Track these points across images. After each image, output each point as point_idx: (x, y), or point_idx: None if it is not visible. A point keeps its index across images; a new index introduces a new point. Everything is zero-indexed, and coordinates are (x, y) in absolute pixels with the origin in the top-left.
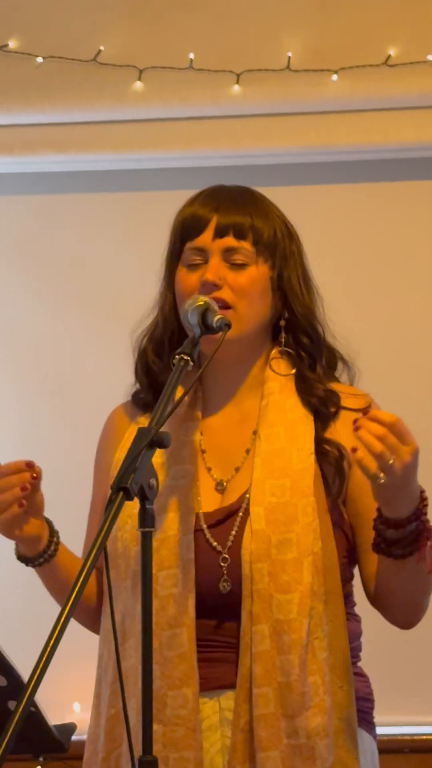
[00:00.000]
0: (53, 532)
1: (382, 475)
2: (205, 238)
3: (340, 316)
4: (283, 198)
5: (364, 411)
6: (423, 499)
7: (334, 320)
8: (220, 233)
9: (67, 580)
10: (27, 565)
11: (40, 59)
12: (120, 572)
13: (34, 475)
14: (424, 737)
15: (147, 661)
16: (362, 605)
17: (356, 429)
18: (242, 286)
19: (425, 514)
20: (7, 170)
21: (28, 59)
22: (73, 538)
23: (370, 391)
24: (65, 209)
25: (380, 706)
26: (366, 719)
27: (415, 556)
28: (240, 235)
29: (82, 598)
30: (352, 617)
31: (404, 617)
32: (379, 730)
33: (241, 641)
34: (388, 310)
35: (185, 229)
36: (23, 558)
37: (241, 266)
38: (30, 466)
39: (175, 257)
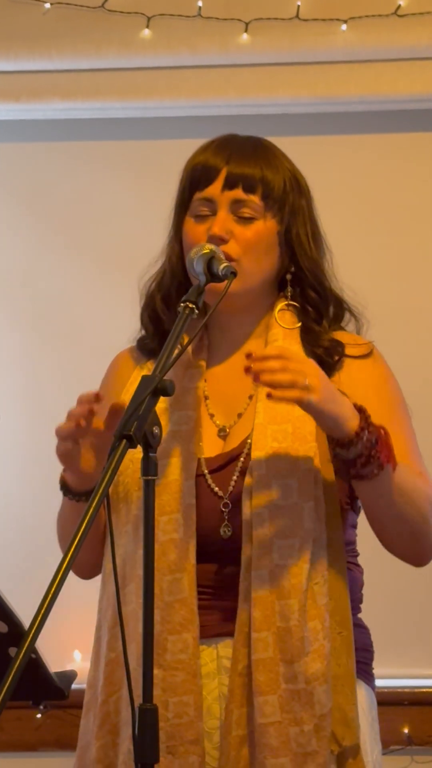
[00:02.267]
0: None
1: (311, 396)
2: (214, 189)
3: (349, 267)
4: (290, 148)
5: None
6: (363, 411)
7: (342, 271)
8: (229, 185)
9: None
10: (65, 495)
11: (47, 5)
12: (121, 517)
13: (92, 410)
14: (425, 690)
15: (148, 608)
16: (365, 557)
17: (254, 377)
18: (249, 240)
19: (372, 425)
20: (14, 117)
21: (36, 6)
22: None
23: (378, 341)
24: (71, 157)
25: (381, 659)
26: (365, 670)
27: (383, 467)
28: (249, 189)
29: (93, 531)
30: (354, 567)
31: (409, 547)
32: (379, 683)
33: (241, 586)
34: (397, 260)
35: (194, 179)
36: (65, 487)
37: (249, 220)
38: (97, 399)
39: (183, 207)
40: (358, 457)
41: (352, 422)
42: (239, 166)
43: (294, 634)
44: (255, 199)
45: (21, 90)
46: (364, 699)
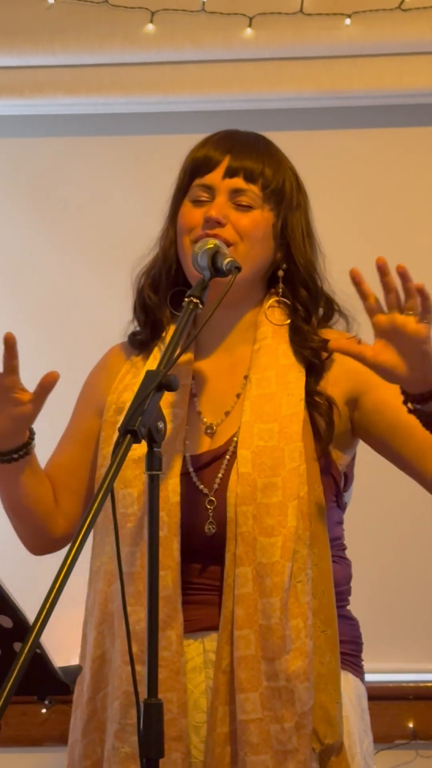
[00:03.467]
0: (31, 438)
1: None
2: (215, 176)
3: (351, 262)
4: (294, 142)
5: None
6: None
7: (345, 267)
8: (230, 173)
9: (29, 489)
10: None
11: (51, 1)
12: (108, 514)
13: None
14: (430, 684)
15: (153, 603)
16: (375, 553)
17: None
18: (245, 227)
19: None
20: (18, 112)
21: (39, 1)
22: None
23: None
24: (75, 152)
25: (386, 654)
26: (353, 662)
27: None
28: (250, 178)
29: (44, 499)
30: (341, 560)
31: None
32: (384, 677)
33: (225, 583)
34: (402, 255)
35: (195, 167)
36: None
37: (247, 208)
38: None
39: (181, 193)
40: None
41: None
42: (241, 157)
43: (275, 631)
44: (254, 189)
45: (25, 85)
46: (352, 691)
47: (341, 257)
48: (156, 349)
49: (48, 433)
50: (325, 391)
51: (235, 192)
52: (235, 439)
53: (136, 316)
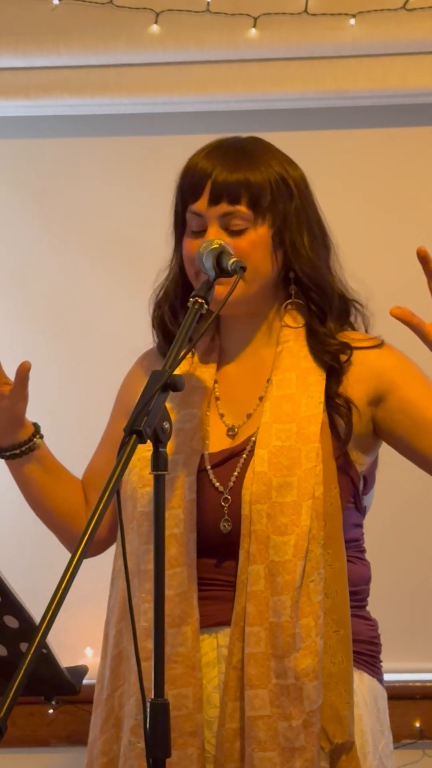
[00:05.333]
0: (34, 435)
1: None
2: (201, 204)
3: (357, 261)
4: (299, 143)
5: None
6: None
7: (349, 267)
8: (214, 200)
9: (41, 486)
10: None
11: (56, 1)
12: (128, 514)
13: None
14: None
15: (159, 602)
16: (377, 552)
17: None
18: (243, 251)
19: None
20: (23, 113)
21: (44, 2)
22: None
23: (386, 333)
24: (80, 153)
25: (393, 654)
26: (370, 662)
27: None
28: (234, 200)
29: (69, 499)
30: (359, 561)
31: None
32: (391, 677)
33: (238, 580)
34: (406, 253)
35: (184, 194)
36: None
37: (240, 232)
38: None
39: (180, 221)
40: None
41: None
42: (222, 176)
43: (285, 629)
44: (242, 208)
45: (30, 86)
46: (367, 691)
47: (348, 257)
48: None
49: (57, 438)
50: (345, 392)
51: (225, 216)
52: (253, 438)
53: (156, 334)
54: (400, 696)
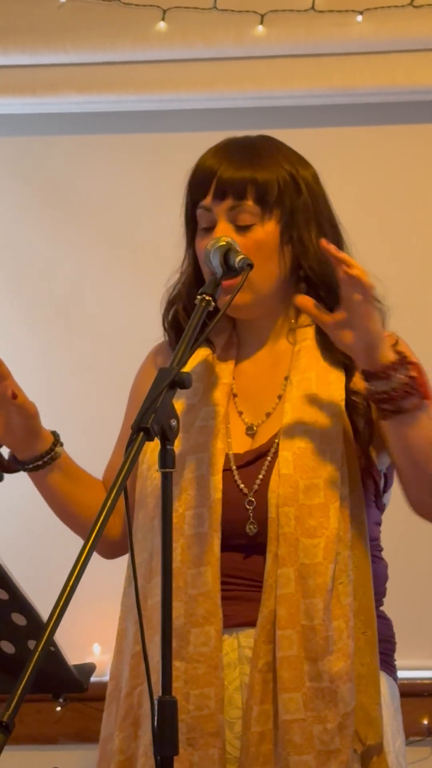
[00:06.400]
0: (54, 444)
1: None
2: (209, 200)
3: (371, 257)
4: (305, 140)
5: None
6: (405, 357)
7: (364, 261)
8: (220, 195)
9: (66, 494)
10: (23, 469)
11: None
12: (149, 511)
13: None
14: None
15: (167, 601)
16: (389, 550)
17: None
18: (250, 249)
19: (411, 361)
20: (30, 110)
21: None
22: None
23: (400, 329)
24: (87, 150)
25: (401, 651)
26: (387, 662)
27: (424, 397)
28: (240, 195)
29: (104, 531)
30: (378, 560)
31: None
32: (400, 674)
33: (266, 583)
34: (418, 249)
35: (193, 191)
36: (17, 462)
37: (247, 228)
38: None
39: (191, 219)
40: (398, 387)
41: (389, 352)
42: (228, 173)
43: (318, 632)
44: (248, 204)
45: (37, 83)
46: (386, 691)
47: (354, 255)
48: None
49: (70, 433)
50: (359, 390)
51: (232, 211)
52: (277, 440)
53: (167, 333)
54: (408, 693)
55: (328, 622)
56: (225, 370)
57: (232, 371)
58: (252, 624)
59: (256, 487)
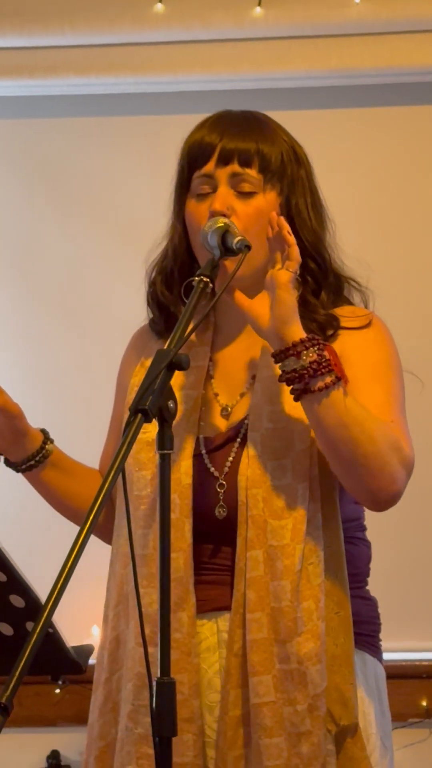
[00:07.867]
0: (45, 442)
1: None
2: (211, 166)
3: (359, 239)
4: (303, 122)
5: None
6: (316, 336)
7: (355, 243)
8: (224, 160)
9: (63, 489)
10: (16, 471)
11: None
12: (134, 496)
13: None
14: None
15: (165, 585)
16: (389, 533)
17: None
18: (250, 217)
19: (322, 342)
20: (28, 93)
21: None
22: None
23: (383, 311)
24: (85, 132)
25: (400, 632)
26: (370, 642)
27: (337, 378)
28: (245, 162)
29: (90, 495)
30: (360, 541)
31: (366, 482)
32: (398, 656)
33: (236, 566)
34: (409, 232)
35: (191, 158)
36: (9, 464)
37: (249, 195)
38: None
39: (183, 187)
40: (307, 365)
41: (301, 330)
42: (233, 141)
43: (287, 614)
44: (252, 172)
45: (35, 66)
46: (369, 671)
47: (349, 237)
48: None
49: (62, 419)
50: None
51: (234, 177)
52: (246, 421)
53: (151, 309)
54: (406, 675)
55: (297, 603)
56: (200, 353)
57: (208, 354)
58: (229, 608)
59: (226, 470)
